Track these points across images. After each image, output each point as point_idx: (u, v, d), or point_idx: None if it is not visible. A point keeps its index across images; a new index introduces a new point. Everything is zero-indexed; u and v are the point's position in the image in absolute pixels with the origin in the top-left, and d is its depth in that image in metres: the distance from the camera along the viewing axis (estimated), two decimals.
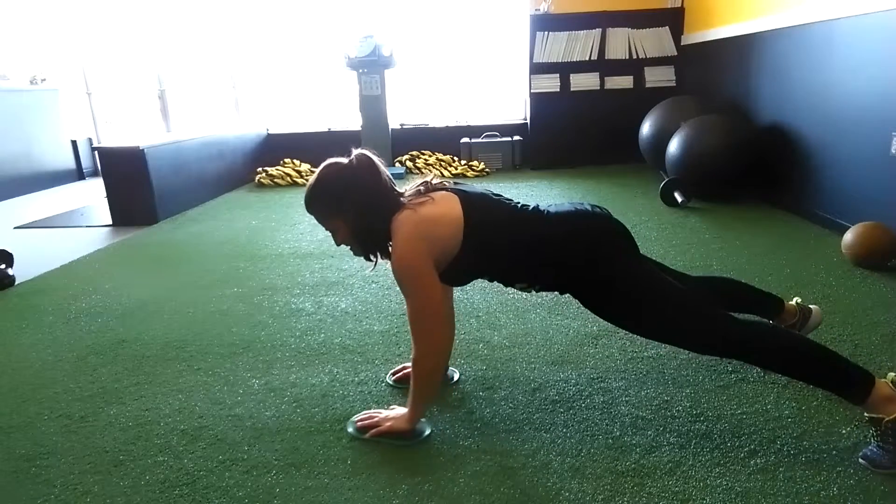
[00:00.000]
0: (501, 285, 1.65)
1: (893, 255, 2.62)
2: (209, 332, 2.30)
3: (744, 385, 1.73)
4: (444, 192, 1.56)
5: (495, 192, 1.65)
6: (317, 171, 1.56)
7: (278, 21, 6.31)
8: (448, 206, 1.51)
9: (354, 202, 1.51)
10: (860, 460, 1.38)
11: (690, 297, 1.51)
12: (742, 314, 1.99)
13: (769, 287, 2.45)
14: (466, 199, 1.53)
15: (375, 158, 1.55)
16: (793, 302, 1.83)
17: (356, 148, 1.56)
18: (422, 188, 1.57)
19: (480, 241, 1.50)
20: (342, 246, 1.60)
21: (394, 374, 1.87)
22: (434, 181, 1.60)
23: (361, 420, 1.61)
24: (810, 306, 1.84)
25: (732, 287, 1.89)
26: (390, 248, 1.53)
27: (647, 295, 1.49)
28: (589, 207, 1.57)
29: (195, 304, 2.59)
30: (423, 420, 1.61)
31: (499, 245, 1.52)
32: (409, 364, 1.86)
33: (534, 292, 1.63)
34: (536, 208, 1.58)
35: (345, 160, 1.54)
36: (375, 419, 1.59)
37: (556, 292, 1.62)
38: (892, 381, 1.36)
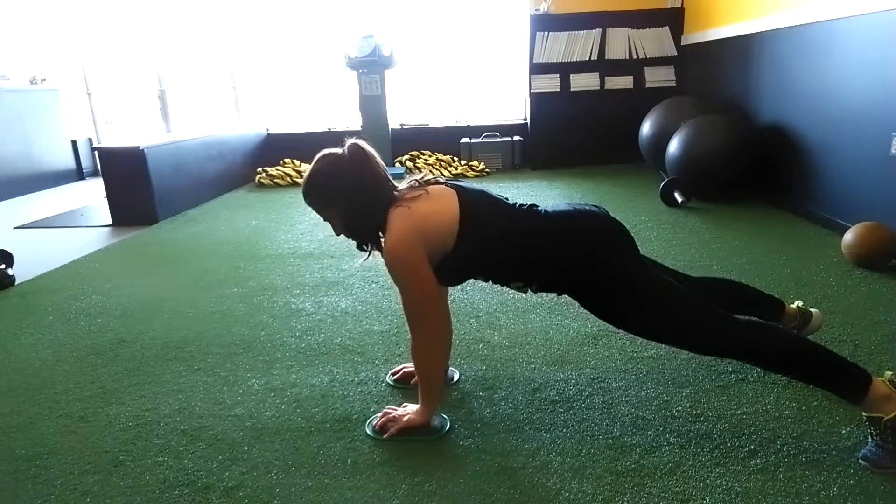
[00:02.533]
0: (499, 286, 1.65)
1: (893, 255, 2.62)
2: (209, 332, 2.30)
3: (744, 385, 1.73)
4: (440, 186, 1.56)
5: (493, 192, 1.65)
6: (312, 162, 1.56)
7: (278, 21, 6.31)
8: (444, 202, 1.51)
9: (346, 192, 1.51)
10: (860, 461, 1.38)
11: (691, 297, 1.50)
12: (741, 315, 2.00)
13: (769, 287, 2.46)
14: (463, 194, 1.53)
15: (368, 148, 1.54)
16: (793, 305, 1.83)
17: (351, 138, 1.55)
18: (416, 182, 1.56)
19: (476, 238, 1.50)
20: (342, 243, 1.61)
21: (393, 374, 1.87)
22: (429, 177, 1.60)
23: (378, 421, 1.60)
24: (811, 310, 1.83)
25: (734, 288, 1.89)
26: (382, 241, 1.52)
27: (647, 294, 1.48)
28: (587, 207, 1.57)
29: (195, 304, 2.59)
30: (443, 415, 1.62)
31: (495, 242, 1.52)
32: (409, 364, 1.87)
33: (530, 292, 1.62)
34: (534, 207, 1.58)
35: (339, 150, 1.53)
36: (392, 417, 1.58)
37: (553, 293, 1.61)
38: (889, 380, 1.36)
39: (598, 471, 1.41)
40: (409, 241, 1.45)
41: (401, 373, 1.86)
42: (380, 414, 1.63)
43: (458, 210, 1.49)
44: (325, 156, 1.54)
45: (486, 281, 1.64)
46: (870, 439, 1.39)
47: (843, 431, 1.50)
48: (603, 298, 1.53)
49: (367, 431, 1.60)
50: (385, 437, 1.55)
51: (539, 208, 1.58)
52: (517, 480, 1.39)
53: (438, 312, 1.52)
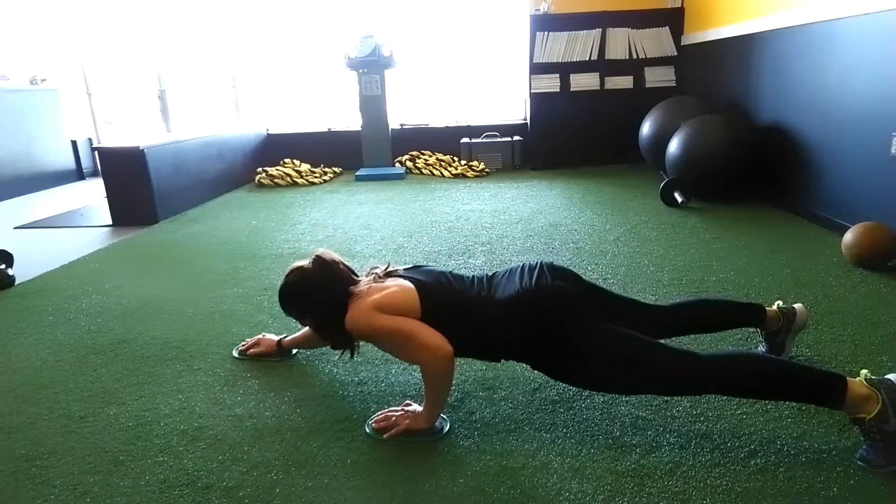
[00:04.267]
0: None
1: (893, 255, 2.62)
2: (209, 332, 2.30)
3: None
4: (398, 281, 1.62)
5: (447, 271, 1.70)
6: (283, 277, 1.69)
7: (278, 21, 6.31)
8: (402, 290, 1.57)
9: (314, 302, 1.65)
10: (858, 462, 1.38)
11: (647, 348, 1.49)
12: (721, 331, 2.01)
13: (769, 287, 2.47)
14: (421, 288, 1.58)
15: (329, 258, 1.66)
16: (774, 307, 1.81)
17: (315, 250, 1.68)
18: (375, 275, 1.66)
19: (437, 327, 1.53)
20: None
21: (242, 344, 2.09)
22: (387, 269, 1.69)
23: (378, 421, 1.61)
24: (793, 306, 1.81)
25: (710, 306, 1.89)
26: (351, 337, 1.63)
27: (607, 361, 1.48)
28: (533, 284, 1.54)
29: (195, 304, 2.59)
30: (442, 416, 1.63)
31: (455, 331, 1.54)
32: (253, 339, 2.07)
33: (502, 362, 1.72)
34: (487, 289, 1.61)
35: (305, 263, 1.66)
36: (392, 419, 1.60)
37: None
38: (866, 379, 1.36)
39: (598, 471, 1.41)
40: (360, 311, 1.54)
41: (247, 345, 2.08)
42: (380, 414, 1.64)
43: (418, 304, 1.54)
44: (292, 270, 1.68)
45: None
46: (862, 439, 1.39)
47: (843, 431, 1.50)
48: (566, 371, 1.55)
49: (367, 430, 1.60)
50: (385, 437, 1.56)
51: (493, 286, 1.61)
52: (517, 480, 1.39)
53: (417, 327, 1.52)
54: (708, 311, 1.83)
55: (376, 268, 1.71)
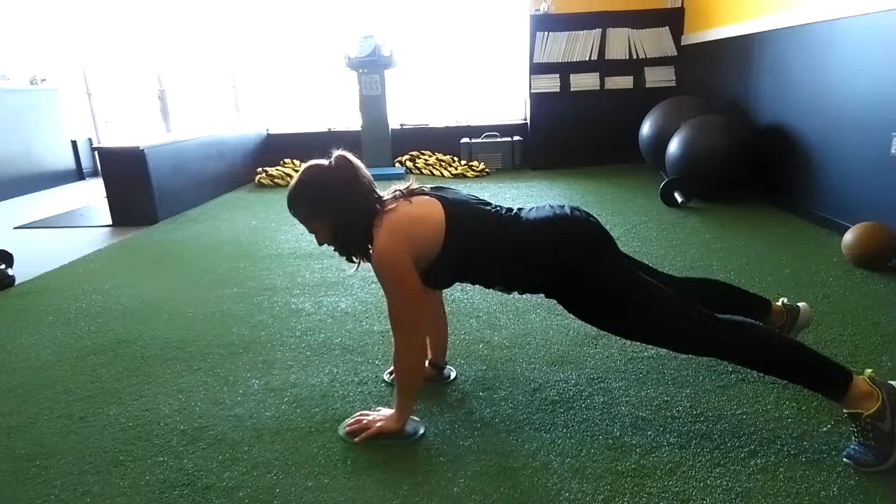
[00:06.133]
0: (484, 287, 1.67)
1: (893, 255, 2.62)
2: (209, 332, 2.30)
3: (744, 385, 1.73)
4: (424, 196, 1.58)
5: (473, 194, 1.67)
6: (298, 172, 1.57)
7: (278, 21, 6.31)
8: (429, 210, 1.53)
9: (332, 203, 1.53)
10: (844, 460, 1.38)
11: (673, 299, 1.51)
12: (724, 314, 2.00)
13: (769, 287, 2.47)
14: (447, 203, 1.55)
15: (354, 160, 1.57)
16: (779, 303, 1.82)
17: (336, 149, 1.57)
18: (399, 193, 1.58)
19: (461, 246, 1.52)
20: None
21: (391, 372, 1.88)
22: (413, 186, 1.61)
23: (350, 425, 1.60)
24: (798, 304, 1.82)
25: (718, 288, 1.89)
26: (371, 251, 1.54)
27: (630, 299, 1.50)
28: (568, 211, 1.57)
29: (195, 304, 2.59)
30: (417, 420, 1.62)
31: (478, 251, 1.54)
32: None
33: (517, 294, 1.65)
34: (516, 213, 1.60)
35: (325, 161, 1.55)
36: (364, 422, 1.59)
37: (540, 294, 1.61)
38: (869, 378, 1.37)
39: (598, 471, 1.41)
40: (395, 249, 1.47)
41: None
42: (352, 418, 1.62)
43: (443, 220, 1.51)
44: (311, 166, 1.55)
45: (473, 284, 1.65)
46: (853, 438, 1.40)
47: (843, 431, 1.50)
48: (585, 303, 1.55)
49: (340, 434, 1.59)
50: (357, 440, 1.55)
51: (522, 213, 1.60)
52: (517, 480, 1.39)
53: (421, 315, 1.54)
54: (716, 291, 1.84)
55: (397, 189, 1.59)
